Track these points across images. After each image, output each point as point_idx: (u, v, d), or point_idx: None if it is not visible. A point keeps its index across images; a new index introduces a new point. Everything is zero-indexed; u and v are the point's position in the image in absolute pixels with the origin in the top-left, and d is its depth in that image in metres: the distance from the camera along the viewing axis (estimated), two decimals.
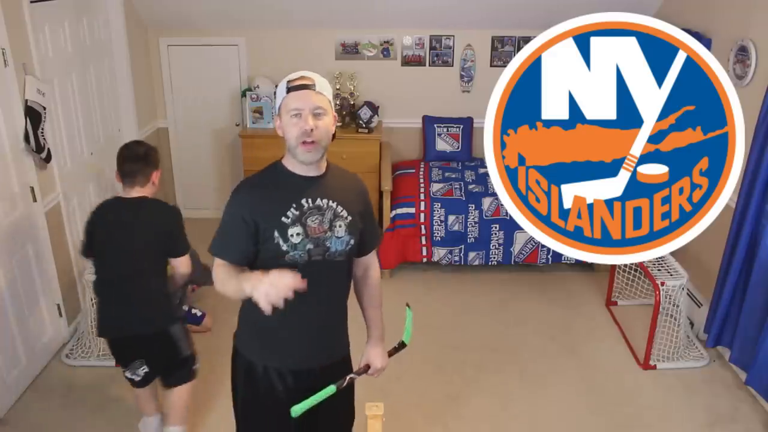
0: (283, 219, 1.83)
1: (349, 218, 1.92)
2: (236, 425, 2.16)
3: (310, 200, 1.86)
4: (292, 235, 1.83)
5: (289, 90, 1.82)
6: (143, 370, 2.77)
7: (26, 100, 3.21)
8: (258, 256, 1.87)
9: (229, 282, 1.81)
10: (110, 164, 4.38)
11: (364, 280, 2.13)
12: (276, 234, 1.82)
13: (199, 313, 3.82)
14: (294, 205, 1.84)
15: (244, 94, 4.99)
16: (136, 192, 2.68)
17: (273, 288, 1.61)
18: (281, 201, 1.85)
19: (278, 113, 1.86)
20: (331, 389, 1.95)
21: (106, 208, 2.71)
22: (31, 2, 3.30)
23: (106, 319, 2.75)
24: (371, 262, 2.13)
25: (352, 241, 1.93)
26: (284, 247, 1.83)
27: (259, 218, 1.83)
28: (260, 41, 4.97)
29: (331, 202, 1.89)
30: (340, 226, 1.89)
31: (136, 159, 2.64)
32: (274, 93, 1.87)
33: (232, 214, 1.86)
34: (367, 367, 2.12)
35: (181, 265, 2.71)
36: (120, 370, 3.47)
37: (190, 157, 5.31)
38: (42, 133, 3.33)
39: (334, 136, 1.90)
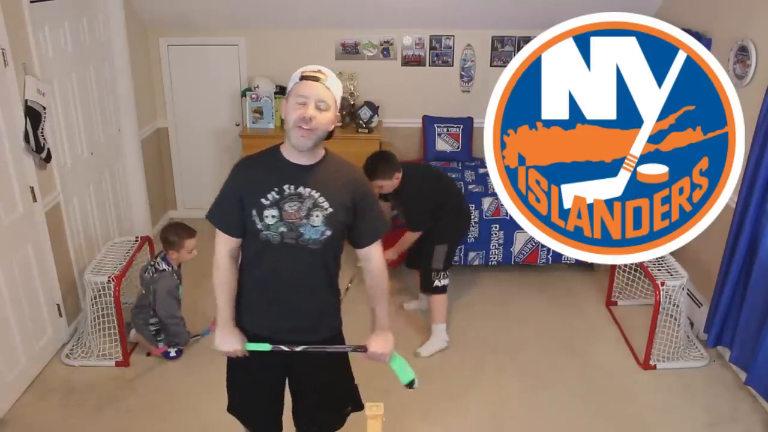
0: (262, 200, 1.96)
1: (330, 210, 1.98)
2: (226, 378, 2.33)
3: (292, 187, 1.96)
4: (266, 216, 1.96)
5: (302, 78, 1.94)
6: None
7: (26, 100, 3.21)
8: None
9: (217, 294, 2.11)
10: (110, 164, 4.41)
11: (366, 272, 2.18)
12: (254, 212, 1.97)
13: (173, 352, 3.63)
14: (276, 189, 1.96)
15: (244, 94, 4.99)
16: None
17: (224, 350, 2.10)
18: (266, 183, 1.97)
19: (287, 97, 1.97)
20: (264, 346, 2.10)
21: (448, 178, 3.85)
22: (31, 2, 3.30)
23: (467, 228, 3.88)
24: (371, 254, 2.14)
25: (328, 232, 1.99)
26: (259, 226, 1.97)
27: (244, 195, 1.99)
28: (260, 41, 4.97)
29: (313, 191, 1.97)
30: (317, 216, 1.97)
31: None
32: (287, 87, 2.08)
33: (226, 188, 2.06)
34: (365, 348, 2.16)
35: None
36: (121, 369, 3.48)
37: (190, 157, 5.31)
38: (42, 133, 3.33)
39: (331, 134, 2.01)
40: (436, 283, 3.65)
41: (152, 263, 3.57)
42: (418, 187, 3.59)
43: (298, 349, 2.09)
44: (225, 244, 2.09)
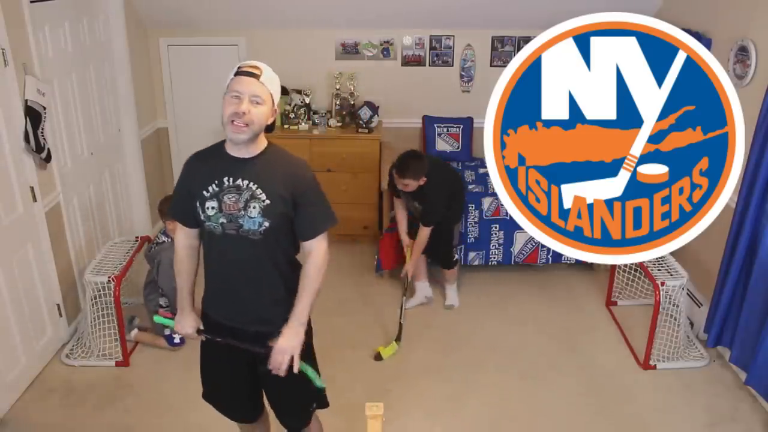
0: (204, 192, 2.06)
1: (267, 201, 2.03)
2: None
3: (231, 179, 2.04)
4: (207, 208, 2.06)
5: (236, 74, 1.99)
6: None
7: (26, 100, 3.21)
8: None
9: (179, 280, 2.30)
10: (110, 164, 4.41)
11: (304, 267, 2.16)
12: (197, 204, 2.08)
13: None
14: (216, 182, 2.05)
15: None
16: None
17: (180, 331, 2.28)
18: (208, 176, 2.07)
19: (225, 93, 2.01)
20: (169, 321, 2.35)
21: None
22: (31, 2, 3.30)
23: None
24: (312, 248, 2.14)
25: (266, 224, 2.03)
26: (202, 217, 2.08)
27: (191, 188, 2.11)
28: (260, 41, 4.97)
29: (251, 184, 2.03)
30: (254, 207, 2.02)
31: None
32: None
33: (179, 183, 2.19)
34: (270, 348, 2.14)
35: None
36: (121, 369, 3.49)
37: None
38: (42, 133, 3.33)
39: (272, 128, 2.10)
40: (456, 257, 4.16)
41: (154, 241, 3.68)
42: (440, 183, 3.78)
43: (218, 339, 2.22)
44: (180, 234, 2.26)
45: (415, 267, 3.97)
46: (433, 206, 3.77)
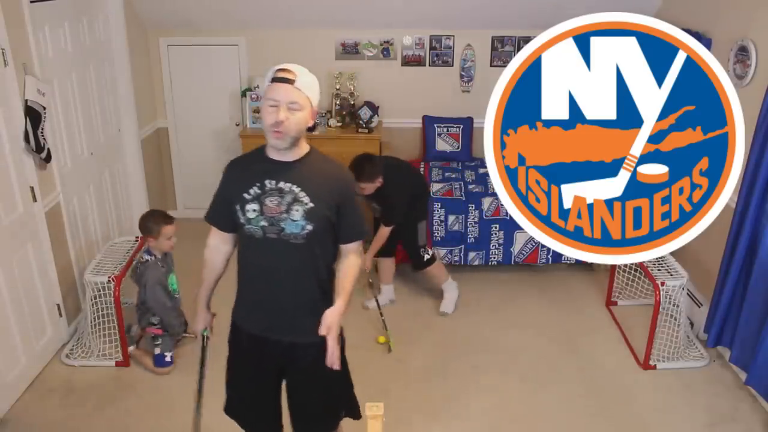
0: (245, 195, 2.03)
1: (310, 205, 2.01)
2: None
3: (273, 182, 2.02)
4: (248, 211, 2.03)
5: (272, 80, 1.97)
6: None
7: (26, 100, 3.21)
8: None
9: (203, 277, 2.29)
10: (110, 164, 4.41)
11: (339, 269, 2.17)
12: (237, 207, 2.05)
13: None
14: (258, 185, 2.03)
15: (244, 94, 4.99)
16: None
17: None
18: (249, 179, 2.05)
19: (263, 98, 2.01)
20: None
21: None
22: (31, 2, 3.30)
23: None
24: (347, 253, 2.18)
25: (309, 227, 2.02)
26: (242, 220, 2.06)
27: (231, 192, 2.09)
28: (260, 41, 4.97)
29: (294, 186, 2.01)
30: (297, 211, 2.00)
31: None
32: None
33: (219, 188, 2.18)
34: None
35: None
36: (121, 369, 3.49)
37: (190, 157, 5.31)
38: (42, 133, 3.33)
39: (313, 128, 2.10)
40: (426, 257, 4.03)
41: (138, 260, 3.57)
42: (400, 184, 3.80)
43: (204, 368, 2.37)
44: (216, 236, 2.26)
45: (371, 260, 3.94)
46: (393, 207, 3.78)
